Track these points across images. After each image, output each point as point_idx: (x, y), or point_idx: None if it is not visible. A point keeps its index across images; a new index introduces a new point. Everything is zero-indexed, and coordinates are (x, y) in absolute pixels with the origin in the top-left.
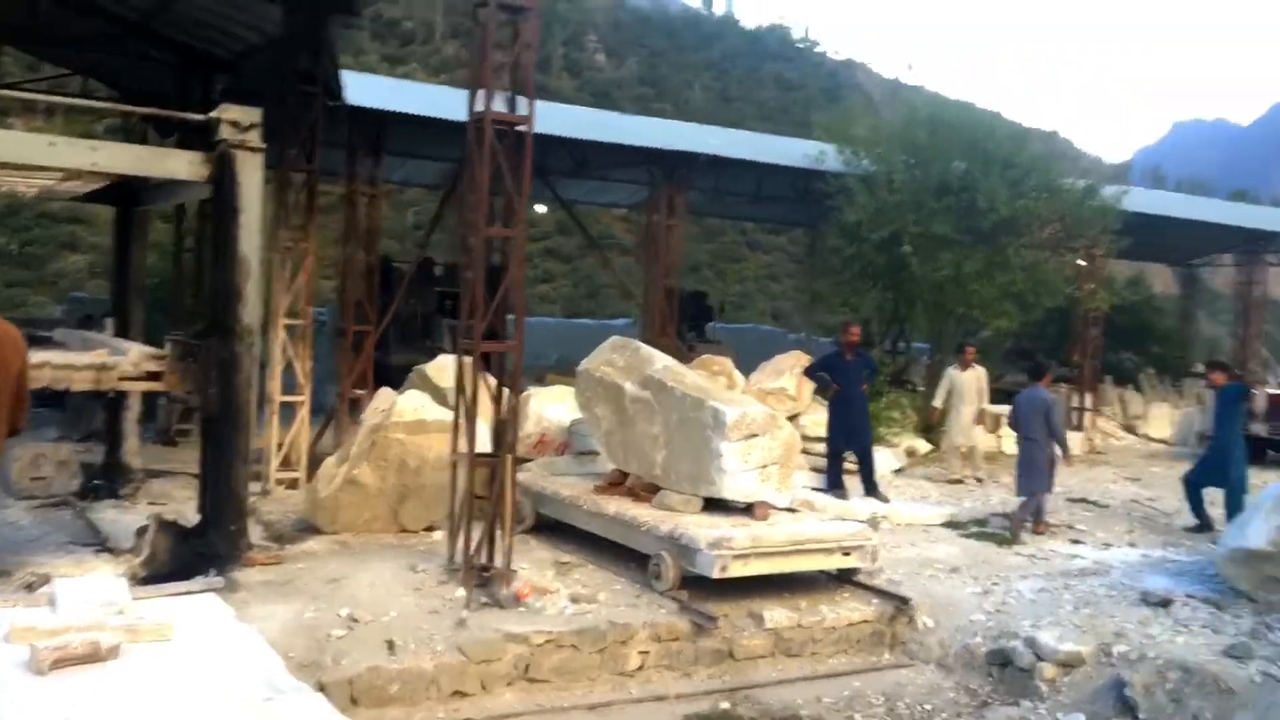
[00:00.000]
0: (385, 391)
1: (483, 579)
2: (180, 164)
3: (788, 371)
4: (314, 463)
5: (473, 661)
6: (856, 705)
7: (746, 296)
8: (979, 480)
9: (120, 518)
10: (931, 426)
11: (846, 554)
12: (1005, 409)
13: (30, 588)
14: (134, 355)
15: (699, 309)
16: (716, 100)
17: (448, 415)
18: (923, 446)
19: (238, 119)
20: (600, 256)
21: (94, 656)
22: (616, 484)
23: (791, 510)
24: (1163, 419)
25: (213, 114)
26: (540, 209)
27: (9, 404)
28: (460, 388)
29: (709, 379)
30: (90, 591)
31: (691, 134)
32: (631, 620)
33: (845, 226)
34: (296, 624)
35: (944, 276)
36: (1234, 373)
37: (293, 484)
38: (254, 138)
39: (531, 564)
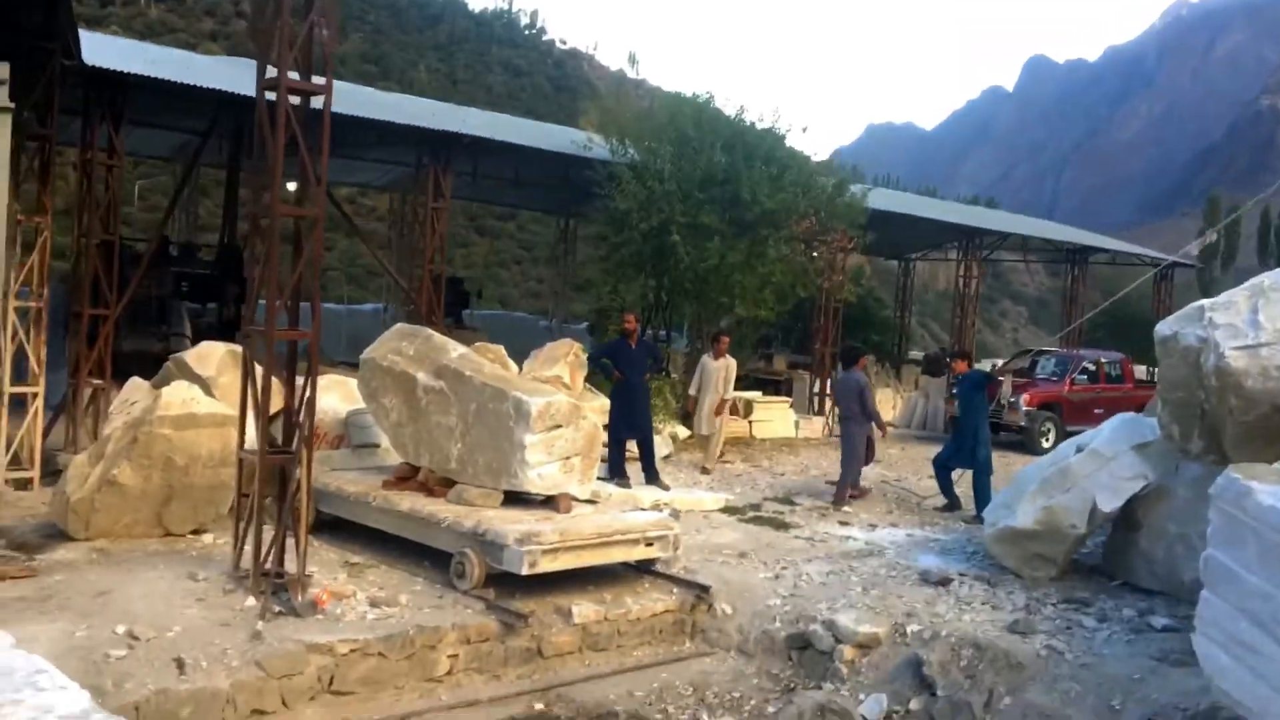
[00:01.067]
0: (136, 381)
1: (275, 586)
2: None
3: (562, 359)
4: (45, 461)
5: (273, 676)
6: (667, 697)
7: (478, 282)
8: (706, 471)
9: None
10: (690, 414)
11: (649, 544)
12: (754, 394)
13: None
14: None
15: (456, 295)
16: (443, 82)
17: (221, 408)
18: (683, 433)
19: None
20: (361, 239)
21: None
22: (406, 479)
23: (591, 502)
24: (886, 404)
25: None
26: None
27: None
28: (250, 378)
29: (504, 368)
30: None
31: (455, 114)
32: (439, 622)
33: (614, 214)
34: (66, 645)
35: (709, 266)
36: (973, 361)
37: (23, 484)
38: (1, 95)
39: (320, 567)
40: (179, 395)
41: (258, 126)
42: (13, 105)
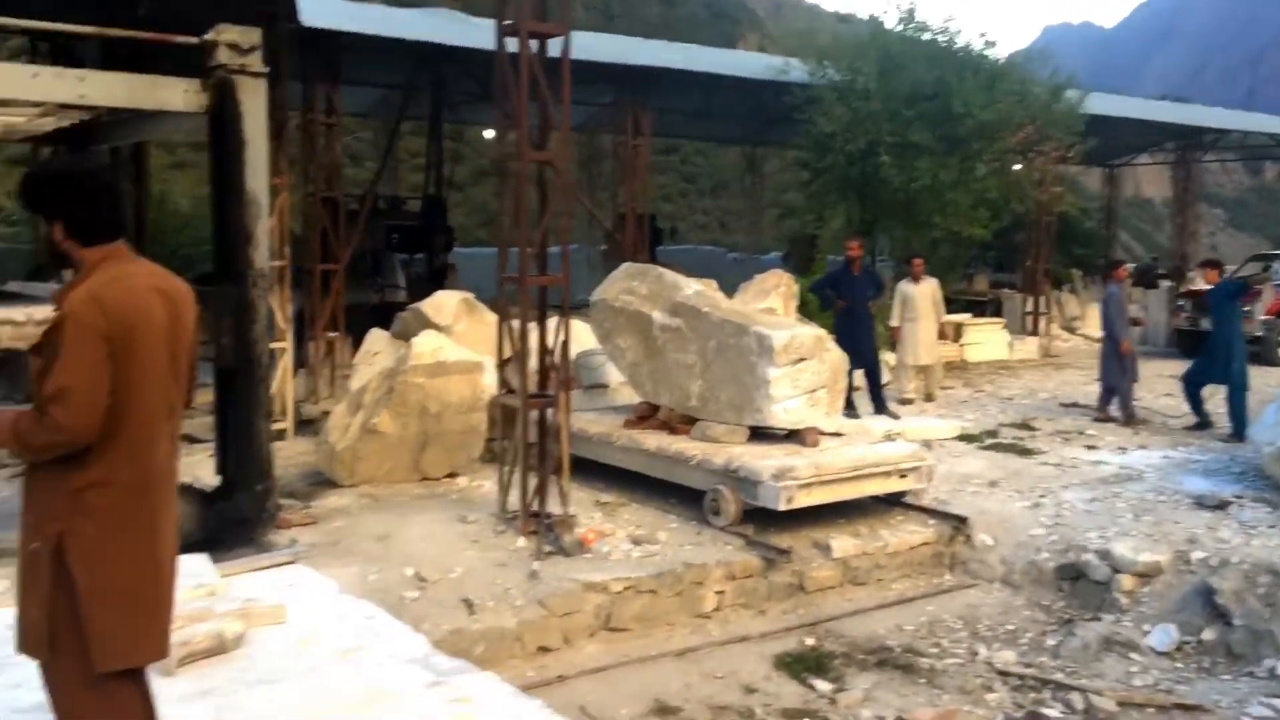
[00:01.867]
0: (376, 333)
1: (540, 526)
2: (175, 94)
3: (773, 291)
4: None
5: (554, 615)
6: (938, 630)
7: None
8: (929, 398)
9: None
10: (893, 345)
11: (903, 476)
12: (964, 316)
13: None
14: None
15: (651, 232)
16: (599, 18)
17: (469, 356)
18: (892, 362)
19: (237, 40)
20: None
21: (219, 649)
22: (646, 417)
23: (837, 434)
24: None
25: (208, 36)
26: (488, 134)
27: (187, 373)
28: (506, 325)
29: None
30: None
31: (649, 49)
32: (704, 559)
33: (817, 138)
34: (366, 588)
35: (920, 186)
36: (1223, 270)
37: (277, 436)
38: (255, 61)
39: (575, 507)
40: (429, 344)
41: (498, 73)
42: (267, 70)
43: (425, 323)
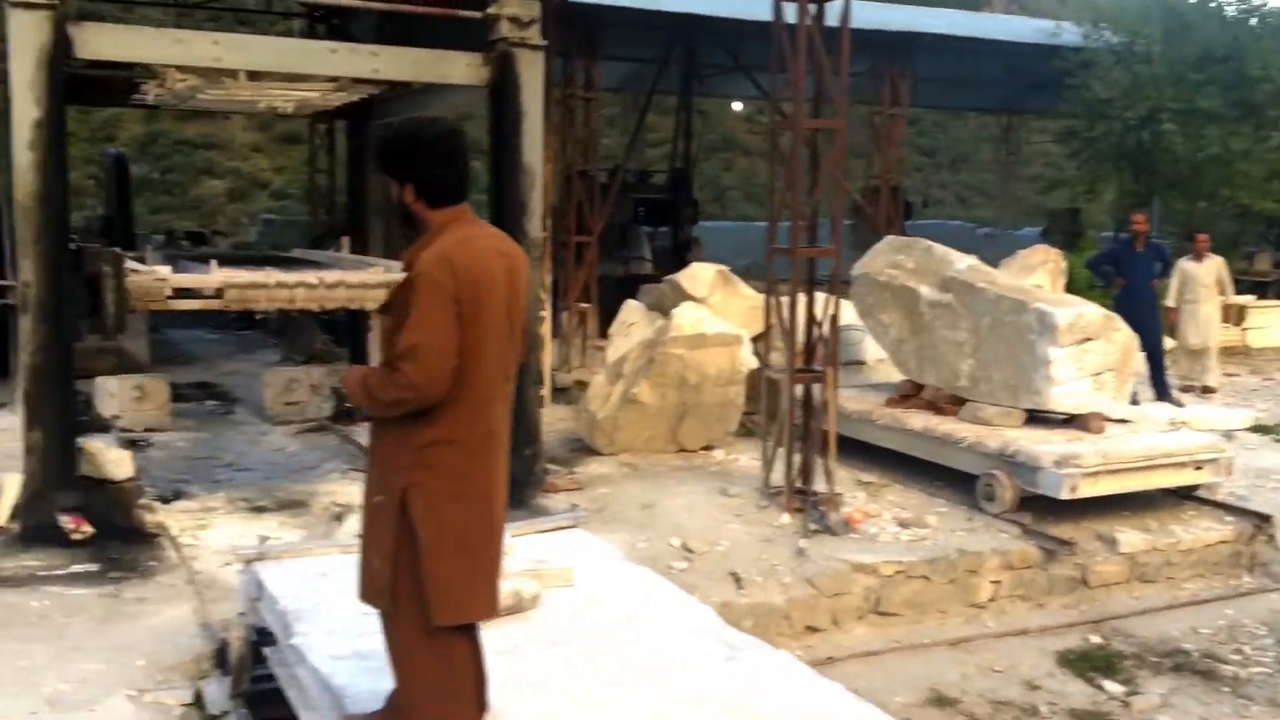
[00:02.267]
0: (631, 304)
1: (804, 503)
2: (458, 68)
3: (1039, 267)
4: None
5: (823, 594)
6: (1239, 636)
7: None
8: (1209, 389)
9: None
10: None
11: (1199, 468)
12: (1247, 298)
13: (339, 518)
14: None
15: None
16: None
17: (728, 328)
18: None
19: (518, 14)
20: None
21: (517, 608)
22: (909, 396)
23: (1123, 421)
24: None
25: (490, 10)
26: (736, 106)
27: (520, 336)
28: (774, 298)
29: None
30: None
31: (908, 15)
32: (978, 546)
33: (1090, 105)
34: (636, 557)
35: (1208, 155)
36: None
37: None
38: (534, 34)
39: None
40: (689, 316)
41: (774, 40)
42: (545, 44)
43: (681, 294)
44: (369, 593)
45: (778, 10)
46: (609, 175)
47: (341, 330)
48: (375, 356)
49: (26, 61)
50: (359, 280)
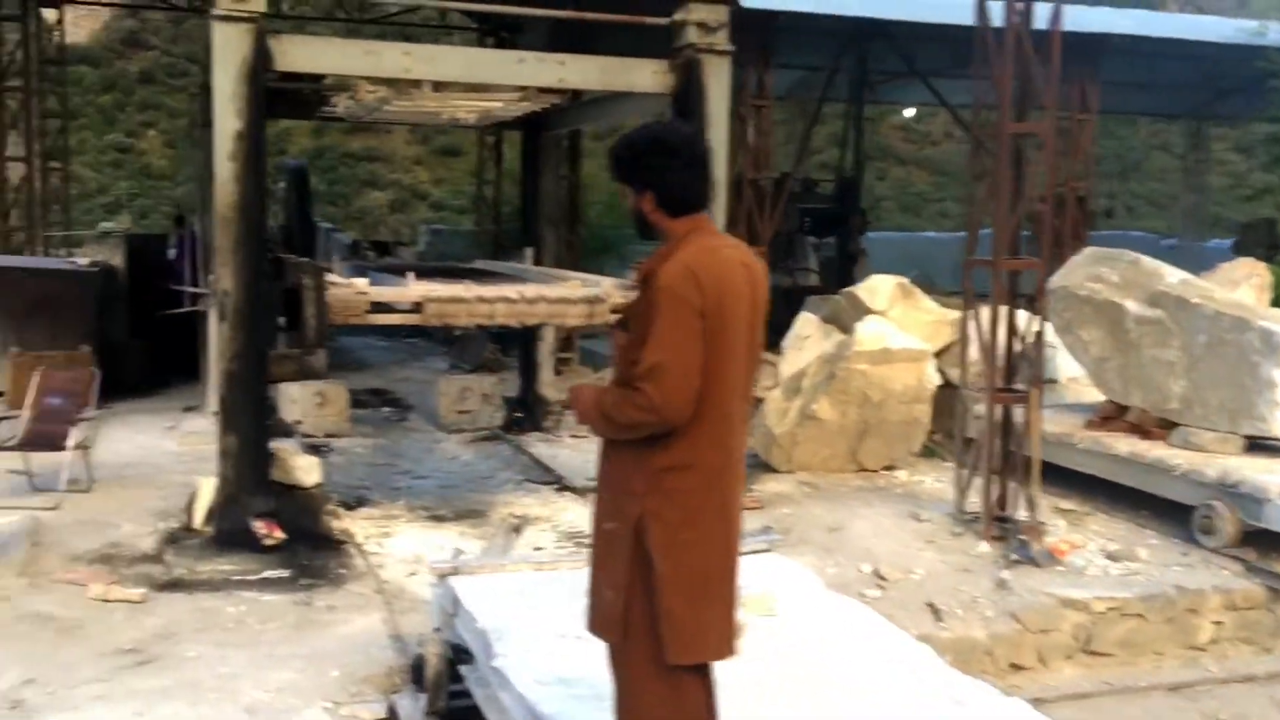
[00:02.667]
0: (806, 316)
1: (1004, 531)
2: (644, 75)
3: (1243, 282)
4: None
5: (1029, 630)
6: None
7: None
8: None
9: (555, 453)
10: None
11: None
12: None
13: (517, 530)
14: (607, 286)
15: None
16: None
17: (915, 344)
18: None
19: (705, 19)
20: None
21: None
22: (1111, 418)
23: None
24: None
25: (676, 16)
26: (909, 112)
27: (757, 352)
28: (968, 311)
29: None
30: None
31: (1099, 16)
32: (1197, 584)
33: None
34: (825, 582)
35: None
36: None
37: None
38: (722, 40)
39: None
40: (873, 330)
41: (978, 43)
42: (733, 49)
43: (859, 307)
44: (598, 624)
45: (982, 11)
46: (775, 184)
47: (508, 340)
48: (547, 366)
49: (229, 74)
50: (559, 295)
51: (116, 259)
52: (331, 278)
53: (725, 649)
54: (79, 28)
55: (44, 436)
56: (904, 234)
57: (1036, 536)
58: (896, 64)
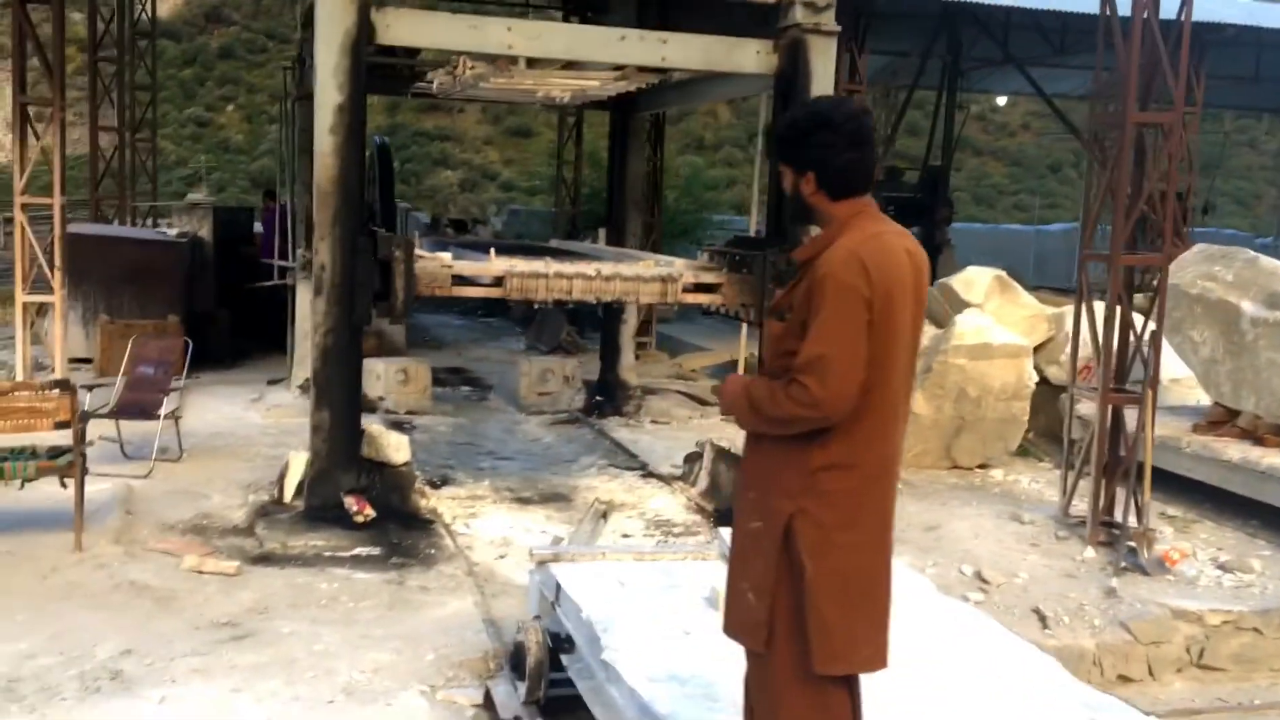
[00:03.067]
0: None
1: (1111, 537)
2: (748, 55)
3: None
4: None
5: (1140, 642)
6: None
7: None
8: None
9: (636, 437)
10: None
11: None
12: None
13: (604, 516)
14: (680, 267)
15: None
16: None
17: (1015, 339)
18: None
19: None
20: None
21: None
22: (1220, 423)
23: None
24: None
25: None
26: (1001, 100)
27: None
28: (1079, 307)
29: None
30: None
31: (1206, 6)
32: None
33: None
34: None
35: None
36: None
37: None
38: (828, 20)
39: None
40: (971, 324)
41: (1101, 30)
42: (839, 29)
43: (953, 299)
44: (738, 628)
45: None
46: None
47: (585, 321)
48: (628, 350)
49: (332, 47)
50: (633, 274)
51: (204, 230)
52: (419, 251)
53: (878, 661)
54: (163, 2)
55: (137, 405)
56: (984, 226)
57: (1146, 543)
58: (988, 50)
